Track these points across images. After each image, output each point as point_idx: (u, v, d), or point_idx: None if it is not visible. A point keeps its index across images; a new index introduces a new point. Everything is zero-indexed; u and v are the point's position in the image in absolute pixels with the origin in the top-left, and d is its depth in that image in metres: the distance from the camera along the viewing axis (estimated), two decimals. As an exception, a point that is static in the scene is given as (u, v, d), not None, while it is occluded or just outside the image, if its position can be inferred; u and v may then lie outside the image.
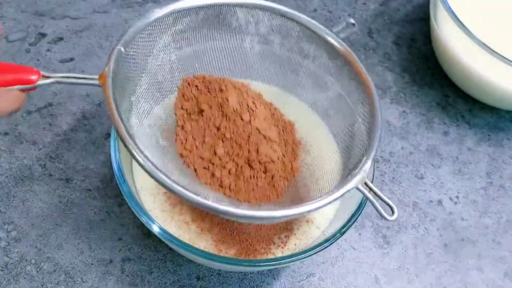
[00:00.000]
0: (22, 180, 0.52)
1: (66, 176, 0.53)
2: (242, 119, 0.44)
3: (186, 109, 0.46)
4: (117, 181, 0.43)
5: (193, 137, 0.44)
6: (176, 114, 0.46)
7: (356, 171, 0.42)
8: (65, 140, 0.55)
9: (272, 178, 0.44)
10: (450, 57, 0.60)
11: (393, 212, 0.40)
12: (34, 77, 0.40)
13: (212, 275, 0.50)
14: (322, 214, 0.49)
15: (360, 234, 0.54)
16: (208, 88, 0.46)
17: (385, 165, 0.58)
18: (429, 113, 0.63)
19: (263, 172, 0.44)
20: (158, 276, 0.49)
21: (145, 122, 0.47)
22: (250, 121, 0.44)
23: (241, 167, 0.43)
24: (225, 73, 0.51)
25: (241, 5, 0.48)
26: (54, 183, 0.53)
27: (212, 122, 0.44)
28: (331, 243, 0.43)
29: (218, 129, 0.44)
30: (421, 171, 0.59)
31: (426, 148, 0.60)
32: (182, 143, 0.44)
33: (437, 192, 0.58)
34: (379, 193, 0.41)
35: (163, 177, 0.38)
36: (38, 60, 0.60)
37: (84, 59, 0.61)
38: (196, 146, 0.44)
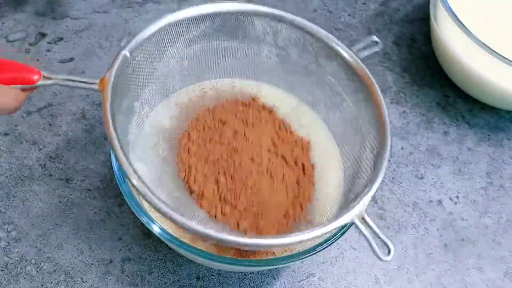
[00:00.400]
0: (22, 180, 0.52)
1: (66, 176, 0.53)
2: (246, 159, 0.44)
3: (192, 136, 0.45)
4: (117, 181, 0.43)
5: (196, 158, 0.44)
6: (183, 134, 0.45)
7: (354, 203, 0.40)
8: (65, 140, 0.55)
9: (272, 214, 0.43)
10: (450, 57, 0.60)
11: (389, 252, 0.38)
12: (35, 77, 0.40)
13: (212, 275, 0.50)
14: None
15: (360, 234, 0.54)
16: (215, 124, 0.45)
17: (385, 165, 0.58)
18: (429, 113, 0.63)
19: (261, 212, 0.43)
20: (158, 276, 0.49)
21: (147, 130, 0.46)
22: (253, 159, 0.44)
23: (240, 198, 0.43)
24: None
25: (258, 15, 0.46)
26: (54, 183, 0.53)
27: (218, 151, 0.44)
28: (331, 243, 0.43)
29: (222, 158, 0.44)
30: (421, 171, 0.59)
31: (426, 148, 0.60)
32: (184, 163, 0.44)
33: (437, 192, 0.58)
34: (376, 230, 0.39)
35: (150, 194, 0.37)
36: (38, 60, 0.60)
37: (84, 59, 0.61)
38: (197, 168, 0.43)
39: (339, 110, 0.49)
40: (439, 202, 0.57)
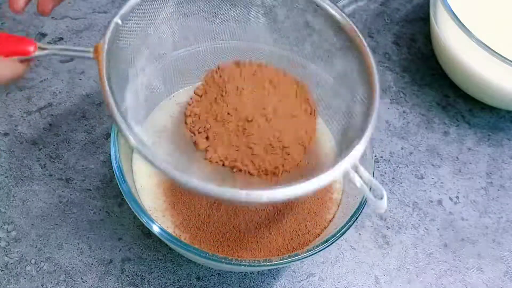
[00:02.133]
0: (22, 180, 0.52)
1: (66, 176, 0.53)
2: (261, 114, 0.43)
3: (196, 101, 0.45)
4: (117, 181, 0.43)
5: (205, 111, 0.44)
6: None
7: (348, 151, 0.39)
8: (65, 140, 0.55)
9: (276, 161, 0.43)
10: (450, 57, 0.60)
11: (382, 198, 0.38)
12: (31, 48, 0.41)
13: (212, 275, 0.50)
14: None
15: (360, 234, 0.54)
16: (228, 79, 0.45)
17: (385, 165, 0.58)
18: (429, 113, 0.63)
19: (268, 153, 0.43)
20: (158, 276, 0.49)
21: (142, 97, 0.46)
22: (267, 117, 0.43)
23: (248, 146, 0.42)
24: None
25: None
26: (54, 183, 0.53)
27: (227, 106, 0.44)
28: (331, 243, 0.43)
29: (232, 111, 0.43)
30: (421, 171, 0.59)
31: (426, 148, 0.60)
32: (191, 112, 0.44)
33: (437, 192, 0.58)
34: (370, 177, 0.38)
35: (150, 153, 0.37)
36: (38, 60, 0.60)
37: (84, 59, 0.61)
38: (205, 126, 0.43)
39: (324, 68, 0.48)
40: (439, 202, 0.57)
